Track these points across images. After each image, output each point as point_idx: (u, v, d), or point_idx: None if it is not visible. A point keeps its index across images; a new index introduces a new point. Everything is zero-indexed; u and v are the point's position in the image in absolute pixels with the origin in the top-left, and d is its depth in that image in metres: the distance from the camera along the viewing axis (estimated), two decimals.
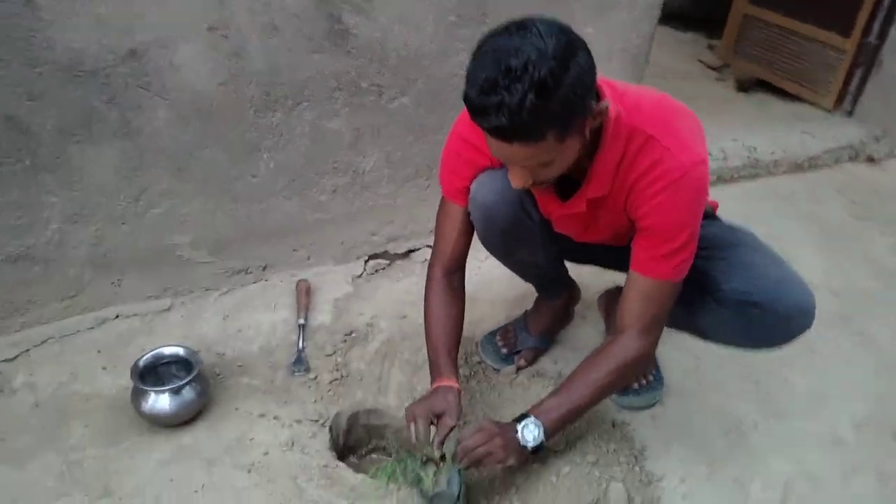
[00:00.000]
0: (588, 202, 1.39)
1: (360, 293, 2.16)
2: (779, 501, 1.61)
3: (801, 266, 2.40)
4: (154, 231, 1.87)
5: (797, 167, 3.19)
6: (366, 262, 2.26)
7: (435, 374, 1.55)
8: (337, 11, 1.77)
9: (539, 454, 1.44)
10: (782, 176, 3.18)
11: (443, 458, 1.45)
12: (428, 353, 1.60)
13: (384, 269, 2.29)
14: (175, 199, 1.85)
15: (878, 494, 1.66)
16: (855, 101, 3.45)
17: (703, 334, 1.64)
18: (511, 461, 1.41)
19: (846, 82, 3.43)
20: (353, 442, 1.77)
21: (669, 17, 5.18)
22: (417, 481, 1.46)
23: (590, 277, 2.05)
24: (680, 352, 2.00)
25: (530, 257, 1.69)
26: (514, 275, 1.86)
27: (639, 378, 1.84)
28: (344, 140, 1.99)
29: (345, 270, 2.22)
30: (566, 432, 1.63)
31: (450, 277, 1.63)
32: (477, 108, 1.10)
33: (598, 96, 1.23)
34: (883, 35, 3.24)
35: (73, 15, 1.50)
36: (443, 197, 1.59)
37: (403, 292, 2.17)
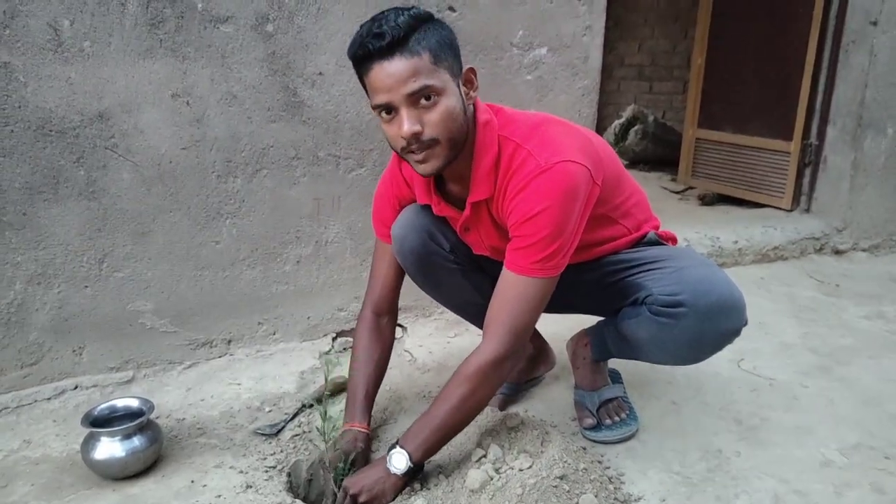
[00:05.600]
0: (472, 206, 1.47)
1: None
2: None
3: (777, 332, 2.42)
4: (117, 296, 1.89)
5: (764, 257, 3.27)
6: (333, 339, 2.25)
7: (348, 416, 1.65)
8: (293, 84, 1.94)
9: (418, 474, 1.50)
10: (750, 266, 3.25)
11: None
12: (347, 393, 1.70)
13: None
14: (138, 262, 1.89)
15: None
16: (810, 199, 3.61)
17: (644, 351, 1.61)
18: (390, 497, 1.45)
19: (798, 183, 3.61)
20: (316, 497, 1.67)
21: (636, 162, 5.58)
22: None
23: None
24: (657, 400, 1.96)
25: (458, 289, 1.72)
26: None
27: (610, 415, 1.79)
28: (304, 209, 2.08)
29: (312, 347, 2.21)
30: (530, 450, 1.55)
31: (378, 319, 1.73)
32: (359, 43, 1.25)
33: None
34: (821, 135, 3.48)
35: (45, 78, 1.66)
36: (376, 239, 1.69)
37: None
